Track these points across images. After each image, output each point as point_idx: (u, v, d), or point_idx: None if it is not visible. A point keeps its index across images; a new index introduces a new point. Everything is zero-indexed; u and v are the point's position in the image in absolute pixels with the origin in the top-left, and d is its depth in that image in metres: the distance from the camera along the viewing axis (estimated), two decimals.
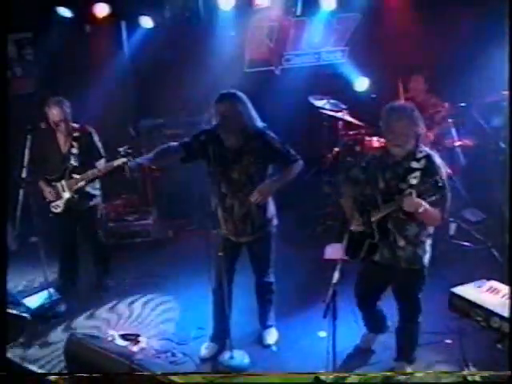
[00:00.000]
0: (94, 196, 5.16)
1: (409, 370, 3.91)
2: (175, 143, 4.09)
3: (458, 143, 5.71)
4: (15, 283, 5.37)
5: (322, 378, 3.01)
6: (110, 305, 5.13)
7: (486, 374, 2.89)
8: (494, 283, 4.33)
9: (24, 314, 4.78)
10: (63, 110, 4.90)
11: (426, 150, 3.62)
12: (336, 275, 3.22)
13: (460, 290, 4.26)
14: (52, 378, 3.05)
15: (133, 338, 4.54)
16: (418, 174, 3.50)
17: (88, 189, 5.05)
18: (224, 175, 4.03)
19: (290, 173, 4.07)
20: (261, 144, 3.98)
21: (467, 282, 4.38)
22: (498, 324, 3.93)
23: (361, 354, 4.21)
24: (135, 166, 3.87)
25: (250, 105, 3.98)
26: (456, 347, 4.06)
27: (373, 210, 3.67)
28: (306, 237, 6.22)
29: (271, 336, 4.48)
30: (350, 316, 4.16)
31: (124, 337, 4.56)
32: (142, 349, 4.41)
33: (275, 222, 4.23)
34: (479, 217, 6.13)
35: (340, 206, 4.01)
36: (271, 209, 4.20)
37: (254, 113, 4.01)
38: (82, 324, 4.88)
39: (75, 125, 5.03)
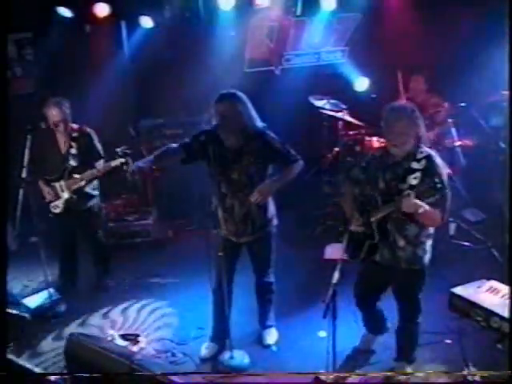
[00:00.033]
0: (93, 196, 5.16)
1: (409, 370, 3.91)
2: (175, 145, 4.09)
3: (457, 143, 5.71)
4: (15, 283, 5.37)
5: (322, 377, 3.02)
6: (105, 310, 5.05)
7: (485, 374, 2.89)
8: (494, 283, 4.33)
9: (24, 314, 4.79)
10: (62, 111, 4.90)
11: (427, 150, 3.61)
12: (336, 275, 3.22)
13: (460, 290, 4.26)
14: (52, 378, 3.05)
15: (133, 338, 4.54)
16: (418, 174, 3.49)
17: (87, 189, 5.05)
18: (224, 175, 4.03)
19: (290, 173, 4.07)
20: (261, 144, 3.98)
21: (467, 282, 4.38)
22: (498, 324, 3.93)
23: (361, 355, 4.21)
24: (136, 170, 3.86)
25: (249, 105, 3.98)
26: (456, 347, 4.06)
27: (372, 211, 3.67)
28: (305, 237, 6.22)
29: (271, 336, 4.48)
30: (350, 316, 4.16)
31: (124, 337, 4.56)
32: (142, 349, 4.41)
33: (275, 222, 4.23)
34: (479, 217, 6.13)
35: (340, 206, 4.01)
36: (271, 209, 4.19)
37: (253, 113, 4.00)
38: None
39: (74, 125, 5.03)
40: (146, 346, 4.47)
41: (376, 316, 4.17)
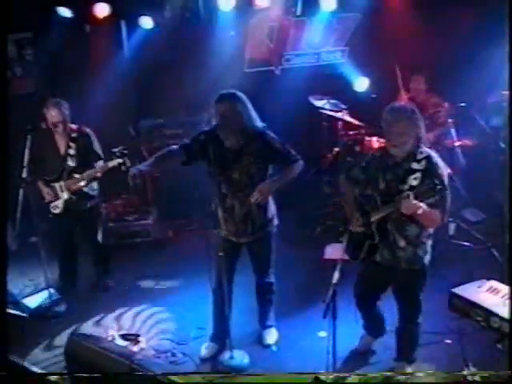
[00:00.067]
0: (92, 196, 5.16)
1: (409, 369, 3.91)
2: (175, 146, 4.08)
3: (457, 143, 5.72)
4: (15, 283, 5.36)
5: (322, 378, 3.01)
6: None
7: (485, 374, 2.88)
8: (494, 283, 4.34)
9: (24, 314, 4.79)
10: (61, 112, 4.90)
11: (427, 150, 3.60)
12: (336, 275, 3.22)
13: (460, 290, 4.27)
14: (52, 378, 3.05)
15: (133, 338, 4.54)
16: (418, 175, 3.49)
17: (86, 189, 5.05)
18: (224, 175, 4.03)
19: (290, 173, 4.07)
20: (261, 144, 3.97)
21: (467, 282, 4.39)
22: (498, 324, 3.94)
23: (360, 356, 4.20)
24: (137, 173, 3.86)
25: (249, 105, 3.98)
26: (456, 347, 4.06)
27: (372, 211, 3.67)
28: (305, 237, 6.21)
29: (271, 336, 4.48)
30: (350, 316, 4.14)
31: (124, 337, 4.56)
32: (142, 349, 4.41)
33: (276, 221, 4.23)
34: (479, 217, 6.13)
35: (340, 206, 4.01)
36: (272, 209, 4.19)
37: (253, 113, 4.00)
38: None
39: (73, 126, 5.03)
40: (145, 346, 4.47)
41: (375, 317, 4.17)
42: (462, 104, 5.77)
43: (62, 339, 4.42)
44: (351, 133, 6.43)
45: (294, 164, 4.07)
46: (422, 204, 3.37)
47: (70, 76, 6.54)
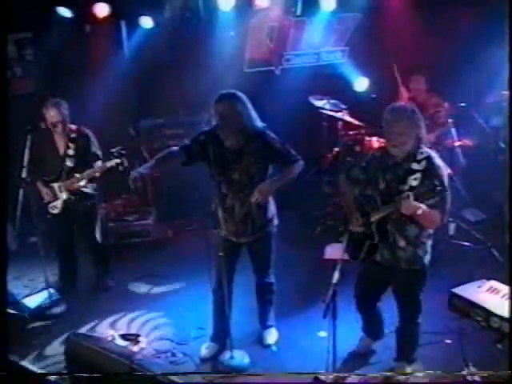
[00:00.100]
0: (91, 197, 5.15)
1: (409, 369, 3.91)
2: (175, 148, 4.08)
3: (457, 143, 5.72)
4: (15, 283, 5.37)
5: (322, 378, 3.02)
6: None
7: (485, 374, 2.89)
8: (494, 283, 4.34)
9: (24, 314, 4.79)
10: (61, 112, 4.89)
11: (427, 151, 3.60)
12: (336, 275, 3.22)
13: (460, 290, 4.27)
14: (52, 378, 3.05)
15: (133, 338, 4.54)
16: (418, 175, 3.49)
17: (85, 189, 5.05)
18: (224, 176, 4.03)
19: (290, 173, 4.07)
20: (261, 144, 3.97)
21: (467, 282, 4.39)
22: (498, 324, 3.94)
23: (358, 358, 4.19)
24: (138, 176, 3.87)
25: (249, 105, 3.97)
26: (456, 347, 4.06)
27: (372, 211, 3.67)
28: (306, 237, 6.22)
29: (271, 336, 4.48)
30: (350, 316, 4.15)
31: (124, 337, 4.56)
32: (142, 349, 4.41)
33: (276, 221, 4.23)
34: (479, 217, 6.13)
35: (340, 206, 4.01)
36: (272, 208, 4.19)
37: (253, 113, 4.00)
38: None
39: (72, 126, 5.02)
40: (146, 346, 4.47)
41: (375, 319, 4.16)
42: (462, 104, 5.77)
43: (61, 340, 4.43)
44: (351, 133, 6.43)
45: (294, 164, 4.07)
46: (421, 205, 3.37)
47: (69, 76, 6.54)
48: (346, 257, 3.67)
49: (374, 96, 6.33)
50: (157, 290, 5.40)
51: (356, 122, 6.37)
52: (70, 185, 4.94)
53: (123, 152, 4.68)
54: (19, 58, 6.74)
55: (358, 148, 6.30)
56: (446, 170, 3.60)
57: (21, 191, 4.60)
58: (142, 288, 5.45)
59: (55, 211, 5.02)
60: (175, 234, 6.57)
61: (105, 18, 6.28)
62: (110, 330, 4.74)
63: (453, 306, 4.26)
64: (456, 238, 5.62)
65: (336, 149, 6.48)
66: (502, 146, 5.82)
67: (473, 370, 3.74)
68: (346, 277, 3.39)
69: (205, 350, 4.36)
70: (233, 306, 4.27)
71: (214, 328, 4.40)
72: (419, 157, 3.54)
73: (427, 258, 3.75)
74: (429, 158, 3.54)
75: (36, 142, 4.79)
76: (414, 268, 3.73)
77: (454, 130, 5.70)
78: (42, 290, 5.06)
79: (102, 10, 6.22)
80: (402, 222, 3.60)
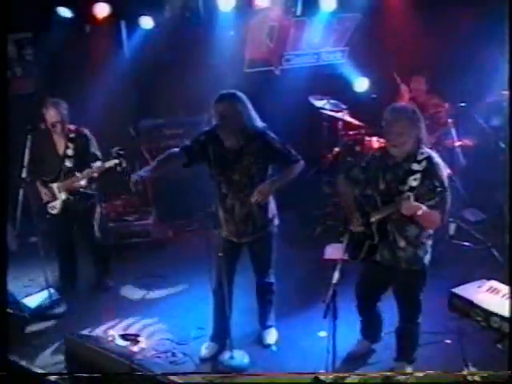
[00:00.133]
0: (90, 197, 5.15)
1: (409, 370, 3.91)
2: (176, 149, 4.08)
3: (457, 143, 5.72)
4: (15, 283, 5.36)
5: (322, 378, 3.01)
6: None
7: (485, 374, 2.88)
8: (494, 283, 4.34)
9: (24, 314, 4.78)
10: (60, 112, 4.89)
11: (427, 151, 3.60)
12: (336, 275, 3.22)
13: (460, 290, 4.27)
14: (52, 378, 3.05)
15: (133, 338, 4.54)
16: (418, 175, 3.48)
17: (84, 190, 5.04)
18: (224, 176, 4.03)
19: (290, 173, 4.07)
20: (261, 144, 3.97)
21: (467, 282, 4.38)
22: (498, 324, 3.94)
23: (356, 359, 4.18)
24: (139, 179, 3.87)
25: (249, 105, 3.97)
26: (456, 347, 4.06)
27: (372, 211, 3.67)
28: (306, 237, 6.22)
29: (271, 336, 4.47)
30: (350, 316, 4.15)
31: (124, 337, 4.56)
32: (142, 349, 4.41)
33: (276, 221, 4.23)
34: (479, 217, 6.13)
35: (340, 206, 4.00)
36: (272, 208, 4.19)
37: (253, 113, 4.00)
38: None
39: (71, 126, 5.02)
40: (146, 346, 4.47)
41: (374, 320, 4.16)
42: (462, 104, 5.77)
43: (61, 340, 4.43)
44: (351, 133, 6.43)
45: (295, 164, 4.07)
46: (422, 205, 3.37)
47: (69, 76, 6.55)
48: (346, 257, 3.67)
49: (374, 96, 6.33)
50: (157, 290, 5.39)
51: (356, 122, 6.37)
52: (69, 185, 4.93)
53: (122, 152, 4.68)
54: (19, 58, 6.74)
55: (358, 148, 6.30)
56: (445, 171, 3.60)
57: (21, 191, 4.60)
58: (139, 292, 5.42)
59: (54, 211, 5.02)
60: (175, 235, 6.57)
61: (105, 18, 6.29)
62: (109, 331, 4.75)
63: (453, 306, 4.25)
64: (456, 238, 5.62)
65: (336, 149, 6.48)
66: (502, 145, 5.82)
67: (473, 370, 3.74)
68: (346, 277, 3.39)
69: (205, 350, 4.36)
70: (233, 306, 4.26)
71: (214, 328, 4.40)
72: (419, 157, 3.54)
73: (427, 258, 3.75)
74: (429, 159, 3.54)
75: (36, 142, 4.79)
76: (413, 268, 3.73)
77: (453, 130, 5.70)
78: (42, 289, 5.06)
79: (102, 10, 6.23)
80: (402, 223, 3.60)
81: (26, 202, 4.61)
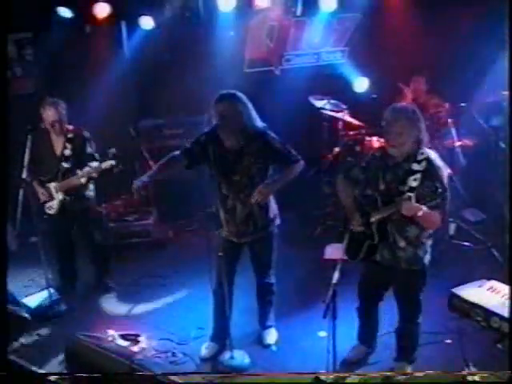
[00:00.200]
0: (87, 197, 5.14)
1: (409, 370, 3.91)
2: (176, 153, 4.09)
3: (457, 143, 5.72)
4: (15, 283, 5.36)
5: (322, 378, 3.01)
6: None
7: (485, 374, 2.88)
8: (494, 283, 4.33)
9: (24, 314, 4.78)
10: (58, 111, 4.89)
11: (427, 151, 3.60)
12: (336, 275, 3.22)
13: (460, 290, 4.26)
14: (52, 378, 3.05)
15: (133, 337, 4.54)
16: (418, 176, 3.48)
17: (81, 190, 5.04)
18: (225, 176, 4.02)
19: (290, 173, 4.07)
20: (261, 144, 3.97)
21: (467, 282, 4.38)
22: (498, 324, 3.94)
23: (351, 365, 4.15)
24: (141, 185, 3.89)
25: (250, 105, 3.97)
26: (456, 347, 4.06)
27: (372, 212, 3.66)
28: (306, 237, 6.21)
29: (271, 336, 4.47)
30: (350, 316, 4.15)
31: (124, 337, 4.55)
32: (142, 349, 4.41)
33: (278, 221, 4.23)
34: (479, 217, 6.13)
35: (340, 206, 4.00)
36: (273, 208, 4.19)
37: (254, 113, 3.99)
38: None
39: (70, 126, 5.02)
40: (146, 346, 4.47)
41: (372, 323, 4.14)
42: (462, 104, 5.77)
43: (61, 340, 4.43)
44: (351, 133, 6.43)
45: (295, 164, 4.07)
46: (422, 206, 3.37)
47: (69, 76, 6.55)
48: (346, 257, 3.67)
49: (374, 96, 6.33)
50: (155, 292, 5.39)
51: (356, 122, 6.37)
52: (66, 185, 4.93)
53: (118, 154, 4.68)
54: (19, 58, 6.75)
55: (358, 148, 6.29)
56: (446, 171, 3.59)
57: (21, 191, 4.60)
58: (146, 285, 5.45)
59: (51, 211, 5.01)
60: (175, 235, 6.57)
61: (105, 18, 6.29)
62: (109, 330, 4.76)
63: (453, 306, 4.25)
64: (456, 238, 5.62)
65: (336, 149, 6.47)
66: (502, 145, 5.82)
67: (473, 369, 3.74)
68: (346, 277, 3.39)
69: (205, 349, 4.36)
70: (233, 306, 4.26)
71: (214, 328, 4.39)
72: (419, 157, 3.54)
73: (427, 258, 3.75)
74: (429, 159, 3.53)
75: (35, 142, 4.79)
76: (413, 268, 3.73)
77: (453, 130, 5.70)
78: (42, 289, 5.06)
79: (102, 10, 6.23)
80: (402, 223, 3.60)
81: (25, 202, 4.61)
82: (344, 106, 6.36)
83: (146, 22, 6.47)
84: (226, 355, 4.19)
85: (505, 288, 4.22)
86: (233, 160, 3.98)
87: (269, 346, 4.42)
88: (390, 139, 3.60)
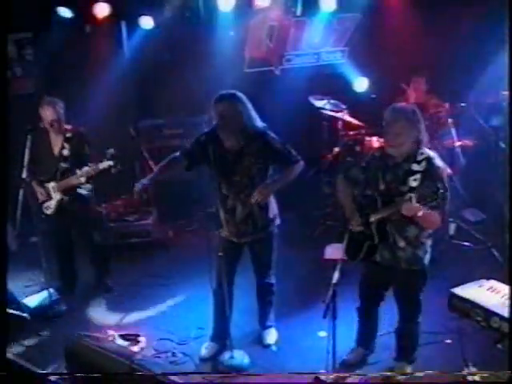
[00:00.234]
0: (86, 197, 5.13)
1: (409, 370, 3.91)
2: (176, 154, 4.10)
3: (457, 143, 5.72)
4: (15, 283, 5.36)
5: (322, 378, 3.01)
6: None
7: (485, 374, 2.88)
8: (494, 283, 4.33)
9: (24, 314, 4.78)
10: (56, 111, 4.88)
11: (427, 151, 3.60)
12: (336, 275, 3.22)
13: (460, 290, 4.26)
14: (52, 378, 3.05)
15: (133, 337, 4.54)
16: (418, 176, 3.49)
17: (79, 190, 5.04)
18: (225, 177, 4.02)
19: (290, 173, 4.07)
20: (261, 144, 3.97)
21: (467, 282, 4.38)
22: (498, 324, 3.93)
23: (349, 368, 4.14)
24: (142, 188, 3.89)
25: (249, 105, 3.97)
26: (456, 347, 4.06)
27: (372, 212, 3.66)
28: (306, 237, 6.21)
29: (271, 336, 4.47)
30: (350, 316, 4.15)
31: (124, 337, 4.56)
32: (142, 349, 4.41)
33: (278, 221, 4.22)
34: (479, 217, 6.13)
35: (340, 206, 4.00)
36: (273, 208, 4.19)
37: (253, 113, 3.99)
38: None
39: (68, 126, 5.01)
40: (146, 346, 4.47)
41: (372, 325, 4.14)
42: (462, 104, 5.77)
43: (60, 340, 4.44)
44: (351, 133, 6.43)
45: (295, 165, 4.07)
46: (422, 206, 3.37)
47: (69, 76, 6.55)
48: (346, 257, 3.67)
49: (373, 96, 6.33)
50: (157, 291, 5.39)
51: (356, 122, 6.36)
52: (64, 185, 4.93)
53: (117, 154, 4.68)
54: (19, 58, 6.75)
55: (358, 148, 6.29)
56: (445, 171, 3.60)
57: (21, 191, 4.60)
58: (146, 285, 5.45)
59: (49, 211, 5.01)
60: (175, 235, 6.56)
61: (105, 18, 6.29)
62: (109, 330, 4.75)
63: (453, 306, 4.24)
64: (456, 238, 5.62)
65: (336, 149, 6.47)
66: (502, 145, 5.82)
67: (473, 369, 3.74)
68: (346, 277, 3.39)
69: (205, 349, 4.36)
70: (233, 306, 4.27)
71: (214, 328, 4.39)
72: (419, 157, 3.54)
73: (427, 258, 3.75)
74: (429, 159, 3.54)
75: (35, 141, 4.79)
76: (413, 268, 3.73)
77: (453, 130, 5.70)
78: (42, 289, 5.06)
79: (102, 10, 6.23)
80: (401, 223, 3.60)
81: (25, 202, 4.61)
82: (344, 106, 6.36)
83: (146, 22, 6.47)
84: (226, 355, 4.19)
85: (505, 288, 4.22)
86: (233, 160, 3.98)
87: (269, 346, 4.42)
88: (389, 139, 3.60)
